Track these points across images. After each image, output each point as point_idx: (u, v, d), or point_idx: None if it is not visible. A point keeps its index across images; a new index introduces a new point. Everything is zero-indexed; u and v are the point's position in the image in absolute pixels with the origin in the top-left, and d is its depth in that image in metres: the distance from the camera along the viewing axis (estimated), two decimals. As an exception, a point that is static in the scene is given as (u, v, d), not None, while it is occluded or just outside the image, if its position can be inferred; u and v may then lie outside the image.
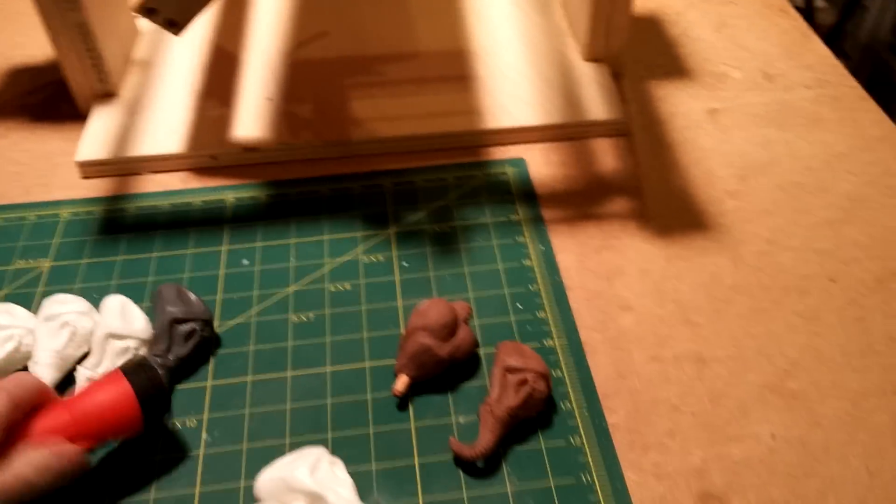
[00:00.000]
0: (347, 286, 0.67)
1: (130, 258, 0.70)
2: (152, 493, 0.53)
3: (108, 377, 0.53)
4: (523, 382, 0.55)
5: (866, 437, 0.55)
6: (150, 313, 0.62)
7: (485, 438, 0.54)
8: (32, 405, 0.51)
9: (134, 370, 0.53)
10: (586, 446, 0.55)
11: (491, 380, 0.57)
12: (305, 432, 0.57)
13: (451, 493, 0.53)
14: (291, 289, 0.67)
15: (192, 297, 0.62)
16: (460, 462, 0.55)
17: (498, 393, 0.55)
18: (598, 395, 0.58)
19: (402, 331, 0.63)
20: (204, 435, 0.57)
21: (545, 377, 0.56)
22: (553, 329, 0.63)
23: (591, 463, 0.54)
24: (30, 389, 0.51)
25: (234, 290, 0.67)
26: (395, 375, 0.59)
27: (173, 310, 0.61)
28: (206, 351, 0.62)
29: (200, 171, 0.79)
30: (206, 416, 0.59)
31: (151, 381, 0.53)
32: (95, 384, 0.53)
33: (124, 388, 0.52)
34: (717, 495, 0.52)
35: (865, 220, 0.72)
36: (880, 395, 0.58)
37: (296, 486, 0.50)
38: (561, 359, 0.61)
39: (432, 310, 0.59)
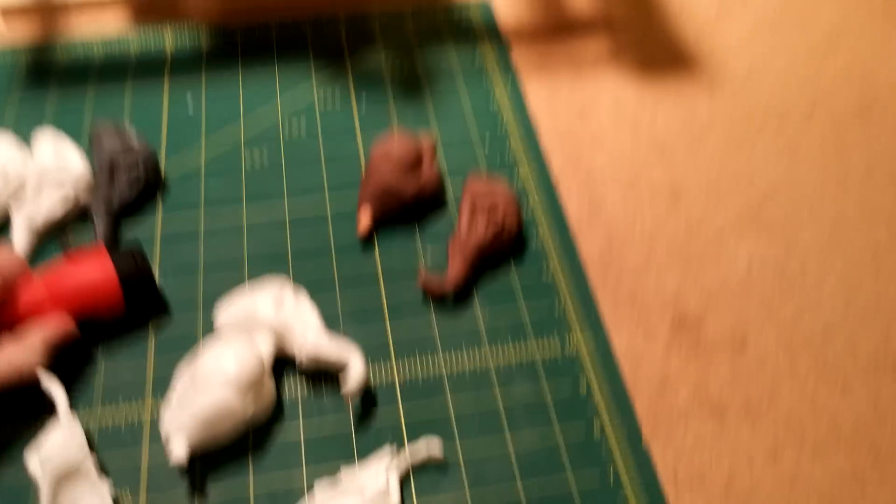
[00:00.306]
0: (303, 129, 0.63)
1: (64, 98, 0.64)
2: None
3: (94, 258, 0.49)
4: (493, 214, 0.52)
5: (842, 264, 0.54)
6: (90, 158, 0.57)
7: (455, 270, 0.51)
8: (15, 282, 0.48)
9: (122, 255, 0.49)
10: (560, 278, 0.53)
11: (460, 212, 0.53)
12: (265, 264, 0.54)
13: (420, 328, 0.51)
14: (242, 132, 0.63)
15: (134, 136, 0.57)
16: (430, 296, 0.53)
17: (467, 225, 0.52)
18: (571, 230, 0.56)
19: (364, 172, 0.59)
20: (157, 269, 0.54)
21: (516, 208, 0.53)
22: (523, 160, 0.60)
23: (565, 292, 0.52)
24: (15, 267, 0.48)
25: (180, 133, 0.62)
26: (359, 211, 0.56)
27: (113, 150, 0.56)
28: (153, 189, 0.58)
29: (136, 13, 0.72)
30: (157, 249, 0.54)
31: (137, 267, 0.49)
32: (78, 262, 0.49)
33: (107, 270, 0.48)
34: (692, 318, 0.50)
35: (846, 51, 0.68)
36: (857, 221, 0.56)
37: (260, 321, 0.47)
38: (532, 190, 0.58)
39: (395, 143, 0.55)
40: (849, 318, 0.51)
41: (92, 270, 0.48)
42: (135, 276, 0.49)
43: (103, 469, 0.44)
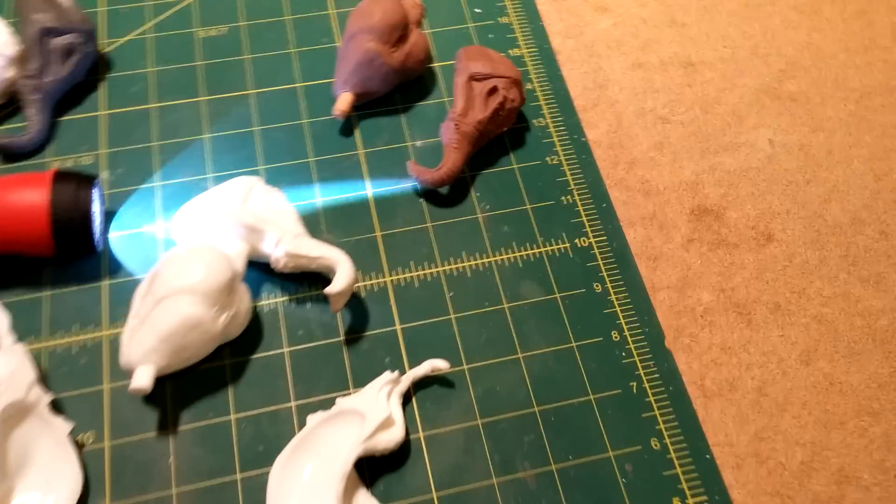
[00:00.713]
0: (264, -8, 0.53)
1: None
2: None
3: (34, 181, 0.40)
4: (493, 91, 0.45)
5: (871, 138, 0.48)
6: (17, 28, 0.47)
7: (450, 159, 0.44)
8: None
9: (63, 180, 0.40)
10: (565, 165, 0.47)
11: (454, 91, 0.46)
12: (231, 167, 0.46)
13: (413, 225, 0.44)
14: (193, -3, 0.53)
15: (66, 1, 0.47)
16: (422, 190, 0.46)
17: (463, 105, 0.45)
18: (576, 108, 0.49)
19: (339, 43, 0.51)
20: (105, 172, 0.46)
21: (517, 84, 0.46)
22: (519, 36, 0.52)
23: (572, 182, 0.46)
24: None
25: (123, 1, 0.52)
26: (336, 95, 0.48)
27: (42, 17, 0.46)
28: (93, 73, 0.49)
29: None
30: (102, 150, 0.47)
31: (74, 203, 0.40)
32: (16, 182, 0.40)
33: (39, 203, 0.39)
34: (712, 209, 0.45)
35: None
36: (885, 94, 0.50)
37: (227, 219, 0.40)
38: (531, 70, 0.50)
39: (377, 6, 0.46)
40: (879, 202, 0.46)
41: (20, 198, 0.39)
42: (69, 217, 0.40)
43: (58, 408, 0.38)
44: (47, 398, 0.37)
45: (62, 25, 0.46)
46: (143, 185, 0.45)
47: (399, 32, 0.46)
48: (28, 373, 0.36)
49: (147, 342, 0.36)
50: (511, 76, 0.45)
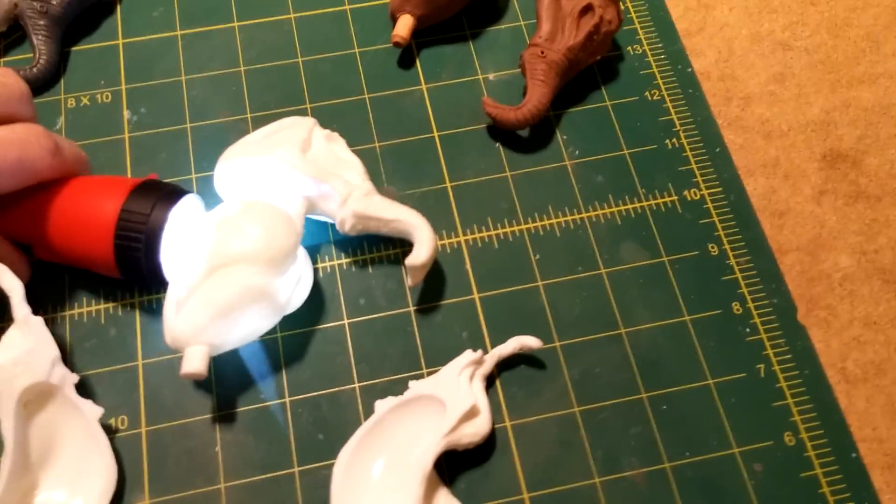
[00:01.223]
0: None
1: None
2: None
3: (111, 189, 0.32)
4: (586, 10, 0.37)
5: None
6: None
7: (535, 94, 0.36)
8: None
9: (141, 194, 0.31)
10: (668, 101, 0.39)
11: (538, 10, 0.37)
12: (273, 104, 0.39)
13: (489, 174, 0.37)
14: None
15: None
16: (498, 132, 0.38)
17: (550, 28, 0.37)
18: (678, 33, 0.41)
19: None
20: (126, 113, 0.39)
21: (616, 2, 0.38)
22: (606, -54, 0.44)
23: (677, 122, 0.38)
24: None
25: None
26: (393, 18, 0.40)
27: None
28: (109, 5, 0.41)
29: None
30: (123, 86, 0.39)
31: (142, 226, 0.31)
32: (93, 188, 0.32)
33: (104, 219, 0.31)
34: (848, 154, 0.37)
35: None
36: None
37: (282, 172, 0.33)
38: (621, -13, 0.42)
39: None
40: None
41: (88, 211, 0.31)
42: (132, 244, 0.31)
43: (85, 390, 0.32)
44: (73, 378, 0.30)
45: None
46: (171, 127, 0.38)
47: (471, -60, 0.37)
48: (49, 349, 0.30)
49: (199, 318, 0.29)
50: (606, -6, 0.37)
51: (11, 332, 0.30)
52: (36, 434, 0.30)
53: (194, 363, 0.29)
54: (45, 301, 0.34)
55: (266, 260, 0.30)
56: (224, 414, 0.32)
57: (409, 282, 0.33)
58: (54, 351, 0.30)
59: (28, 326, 0.30)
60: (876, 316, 0.34)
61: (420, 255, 0.32)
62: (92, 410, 0.30)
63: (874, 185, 0.36)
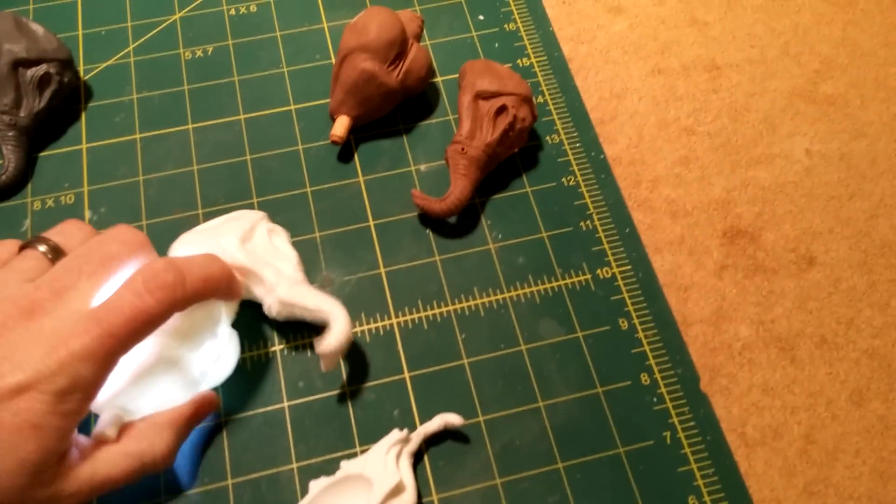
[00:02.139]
0: (252, 7, 0.48)
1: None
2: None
3: None
4: (501, 110, 0.40)
5: (918, 145, 0.43)
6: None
7: (458, 187, 0.39)
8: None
9: None
10: (582, 186, 0.42)
11: (459, 111, 0.40)
12: (222, 200, 0.41)
13: (419, 259, 0.39)
14: (178, 15, 0.48)
15: (40, 29, 0.42)
16: (428, 220, 0.41)
17: (470, 127, 0.40)
18: (592, 122, 0.44)
19: (333, 59, 0.46)
20: (87, 213, 0.41)
21: (528, 100, 0.40)
22: (528, 44, 0.46)
23: (591, 205, 0.41)
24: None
25: (100, 21, 0.47)
26: (332, 118, 0.42)
27: (14, 48, 0.41)
28: (72, 104, 0.44)
29: None
30: (85, 188, 0.42)
31: None
32: None
33: None
34: (747, 230, 0.40)
35: None
36: (932, 94, 0.45)
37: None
38: (541, 81, 0.45)
39: (373, 22, 0.40)
40: (931, 215, 0.40)
41: None
42: None
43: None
44: None
45: (36, 55, 0.41)
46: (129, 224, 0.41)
47: (397, 49, 0.40)
48: None
49: (113, 383, 0.32)
50: (520, 93, 0.40)
51: None
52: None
53: (104, 426, 0.31)
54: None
55: (181, 334, 0.32)
56: (170, 498, 0.34)
57: (322, 367, 0.35)
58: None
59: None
60: (773, 382, 0.36)
61: (329, 343, 0.34)
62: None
63: (770, 258, 0.39)
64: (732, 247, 0.39)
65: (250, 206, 0.41)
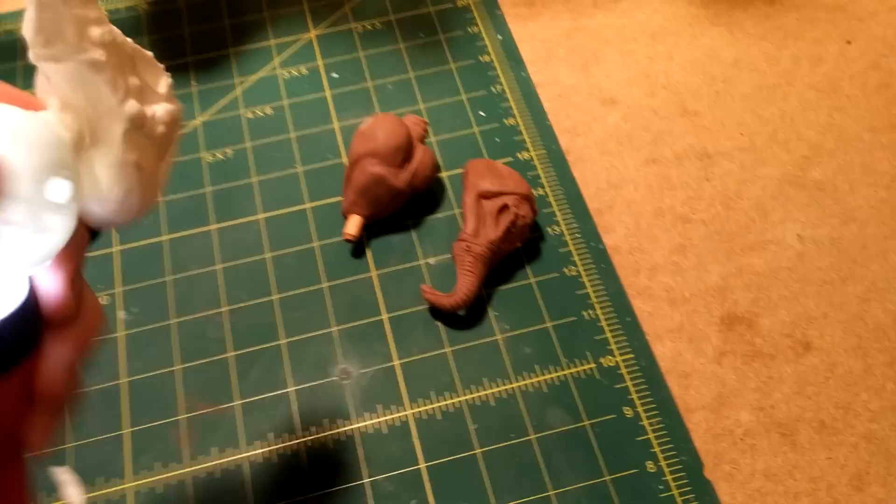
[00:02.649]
0: (268, 110, 0.51)
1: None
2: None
3: None
4: (503, 209, 0.42)
5: (907, 228, 0.44)
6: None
7: (465, 283, 0.41)
8: None
9: None
10: (584, 276, 0.43)
11: (463, 210, 0.43)
12: (245, 297, 0.43)
13: (430, 351, 0.41)
14: (198, 121, 0.51)
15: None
16: (438, 313, 0.42)
17: (474, 225, 0.42)
18: (591, 213, 0.46)
19: (345, 159, 0.48)
20: (120, 313, 0.43)
21: (528, 199, 0.43)
22: (527, 138, 0.49)
23: (592, 295, 0.43)
24: None
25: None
26: (344, 216, 0.45)
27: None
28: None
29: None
30: (118, 289, 0.44)
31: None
32: None
33: None
34: (744, 316, 0.41)
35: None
36: (917, 176, 0.47)
37: None
38: (541, 174, 0.47)
39: (380, 129, 0.43)
40: (922, 296, 0.42)
41: None
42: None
43: None
44: None
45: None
46: (158, 323, 0.43)
47: (404, 153, 0.43)
48: None
49: None
50: (521, 192, 0.42)
51: None
52: None
53: None
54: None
55: None
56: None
57: None
58: None
59: None
60: (775, 468, 0.36)
61: None
62: None
63: (768, 344, 0.40)
64: (730, 333, 0.40)
65: (270, 304, 0.43)
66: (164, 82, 0.24)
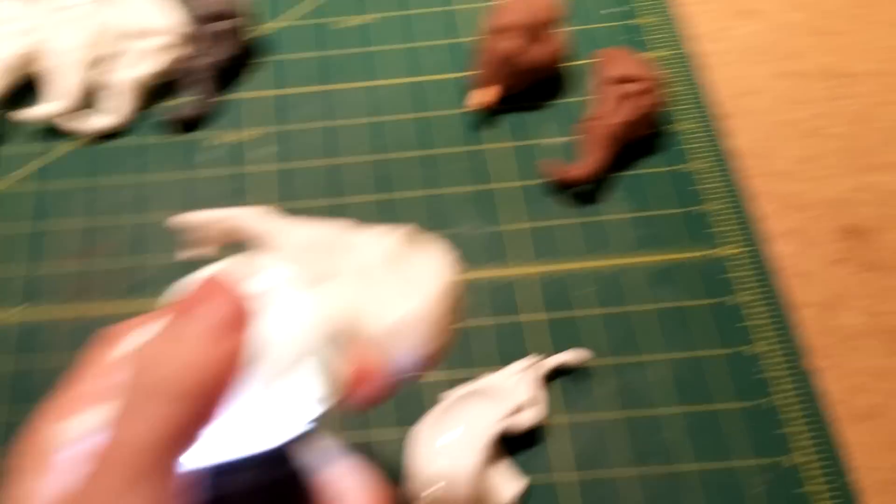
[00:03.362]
0: (408, -13, 0.52)
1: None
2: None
3: None
4: (634, 95, 0.42)
5: None
6: (179, 11, 0.48)
7: (593, 156, 0.42)
8: None
9: None
10: (704, 173, 0.43)
11: (594, 92, 0.43)
12: (367, 152, 0.45)
13: (540, 222, 0.42)
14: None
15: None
16: (553, 188, 0.43)
17: (601, 108, 0.42)
18: (717, 116, 0.45)
19: (467, 38, 0.49)
20: (273, 148, 0.45)
21: (658, 88, 0.42)
22: (659, 38, 0.49)
23: (710, 190, 0.43)
24: None
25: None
26: (474, 88, 0.45)
27: (205, 2, 0.47)
28: (249, 56, 0.48)
29: None
30: (265, 128, 0.46)
31: None
32: None
33: None
34: (866, 229, 0.41)
35: None
36: None
37: None
38: (671, 73, 0.47)
39: (518, 5, 0.44)
40: None
41: None
42: None
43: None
44: None
45: (223, 9, 0.46)
46: (308, 163, 0.45)
47: (538, 32, 0.43)
48: None
49: None
50: (652, 80, 0.42)
51: None
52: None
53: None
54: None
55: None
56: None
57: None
58: None
59: None
60: (877, 368, 0.36)
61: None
62: None
63: (887, 257, 0.39)
64: (850, 242, 0.40)
65: (388, 162, 0.44)
66: None
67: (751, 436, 0.36)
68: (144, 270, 0.42)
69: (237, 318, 0.20)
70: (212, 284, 0.21)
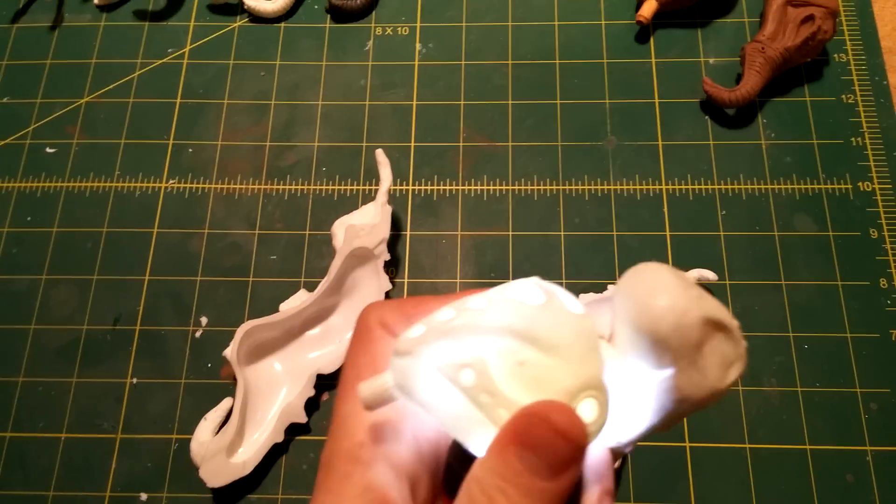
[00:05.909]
0: None
1: None
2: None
3: None
4: (808, 19, 0.42)
5: None
6: None
7: (750, 81, 0.43)
8: None
9: None
10: (861, 105, 0.44)
11: (764, 13, 0.44)
12: (530, 55, 0.47)
13: (695, 140, 0.44)
14: None
15: None
16: (709, 107, 0.45)
17: (773, 29, 0.43)
18: (882, 49, 0.46)
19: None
20: (418, 45, 0.48)
21: (833, 15, 0.43)
22: (832, -37, 0.48)
23: (865, 124, 0.44)
24: None
25: None
26: (640, 1, 0.46)
27: None
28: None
29: None
30: (418, 24, 0.49)
31: None
32: None
33: None
34: None
35: None
36: None
37: None
38: (839, 2, 0.47)
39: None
40: None
41: None
42: None
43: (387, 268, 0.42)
44: (385, 257, 0.40)
45: None
46: (449, 61, 0.47)
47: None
48: (384, 231, 0.40)
49: None
50: (830, 6, 0.42)
51: (370, 206, 0.41)
52: (348, 277, 0.41)
53: None
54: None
55: None
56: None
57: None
58: (387, 234, 0.40)
59: (381, 209, 0.40)
60: None
61: None
62: (385, 283, 0.40)
63: None
64: None
65: (552, 66, 0.46)
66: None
67: (872, 366, 0.39)
68: (294, 152, 0.46)
69: (576, 455, 0.19)
70: (545, 417, 0.19)
